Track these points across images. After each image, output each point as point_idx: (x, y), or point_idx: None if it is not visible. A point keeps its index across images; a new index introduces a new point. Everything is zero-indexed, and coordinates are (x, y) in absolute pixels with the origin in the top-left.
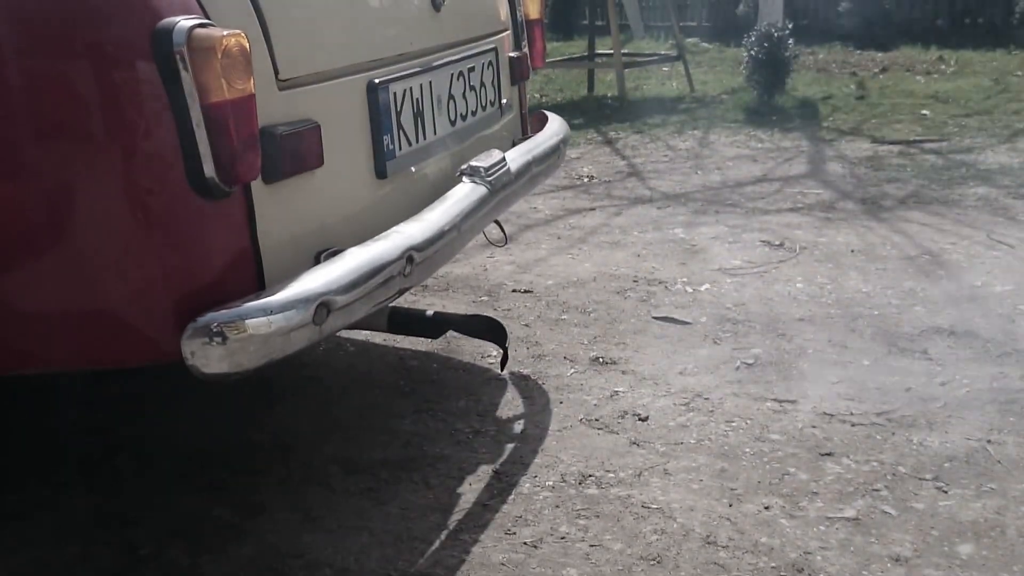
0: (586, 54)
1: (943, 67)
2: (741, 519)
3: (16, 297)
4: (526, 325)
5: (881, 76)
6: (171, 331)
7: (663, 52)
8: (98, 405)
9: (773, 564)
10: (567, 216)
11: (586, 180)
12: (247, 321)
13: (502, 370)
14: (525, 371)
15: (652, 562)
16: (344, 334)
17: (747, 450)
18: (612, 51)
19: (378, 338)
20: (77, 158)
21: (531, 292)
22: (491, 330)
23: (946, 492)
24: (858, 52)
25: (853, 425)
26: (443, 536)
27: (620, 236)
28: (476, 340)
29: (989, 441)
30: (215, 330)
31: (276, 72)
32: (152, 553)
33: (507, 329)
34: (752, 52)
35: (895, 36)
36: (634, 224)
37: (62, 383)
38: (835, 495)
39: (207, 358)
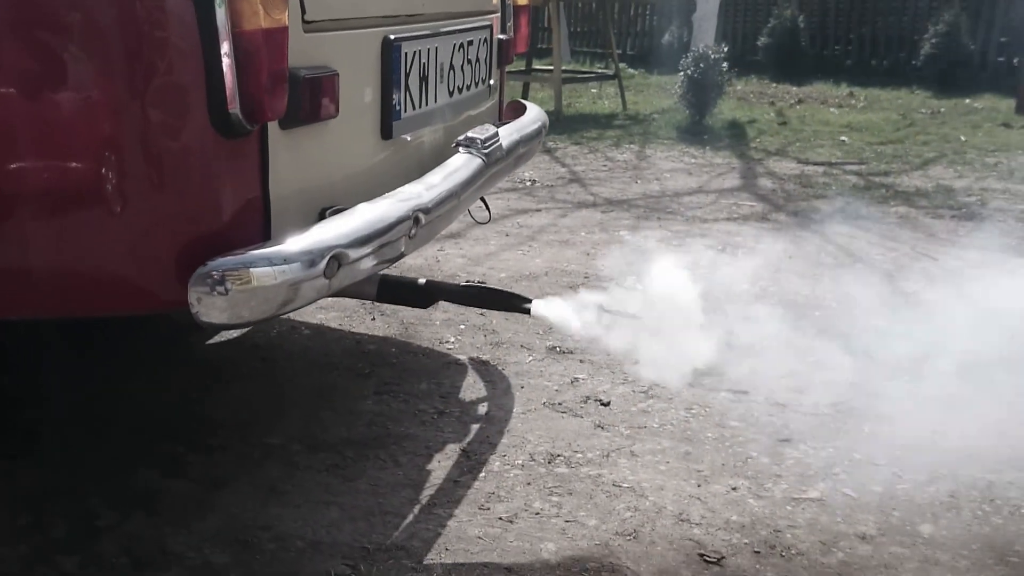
0: (523, 69)
1: (853, 102)
2: (711, 498)
3: (16, 236)
4: (482, 314)
5: (798, 107)
6: (175, 276)
7: (599, 70)
8: (44, 375)
9: (746, 540)
10: (514, 216)
11: (529, 184)
12: (256, 270)
13: (530, 315)
14: (484, 357)
15: (628, 537)
16: (297, 316)
17: (709, 435)
18: (550, 67)
19: (333, 322)
20: (95, 88)
21: (484, 284)
22: (498, 300)
23: (901, 476)
24: (775, 84)
25: (806, 414)
26: (416, 511)
27: (568, 236)
28: (434, 325)
29: (934, 431)
30: (217, 278)
31: (303, 11)
32: (111, 524)
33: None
34: (689, 72)
35: (808, 72)
36: (580, 225)
37: (9, 349)
38: (797, 478)
39: (214, 306)
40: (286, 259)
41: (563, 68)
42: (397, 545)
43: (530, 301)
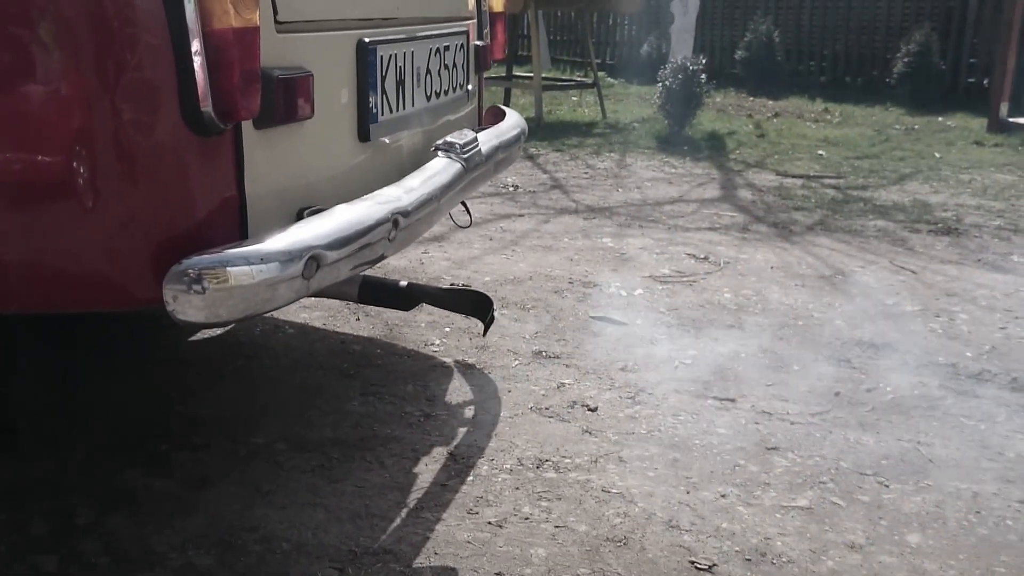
0: (504, 76)
1: (829, 117)
2: (700, 505)
3: None
4: (467, 317)
5: (775, 120)
6: (150, 273)
7: (578, 79)
8: (24, 370)
9: (737, 548)
10: (496, 220)
11: (511, 189)
12: (233, 268)
13: (484, 335)
14: (470, 360)
15: (618, 543)
16: (280, 315)
17: (696, 442)
18: (530, 74)
19: (317, 321)
20: (65, 83)
21: (469, 287)
22: (474, 304)
23: (887, 487)
24: (752, 98)
25: (792, 423)
26: (403, 514)
27: (551, 241)
28: (419, 327)
29: (919, 443)
30: (194, 276)
31: (275, 12)
32: (91, 522)
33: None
34: (667, 83)
35: (784, 87)
36: (563, 231)
37: None
38: (786, 486)
39: (190, 304)
40: (263, 258)
41: (543, 75)
42: (385, 548)
43: (491, 308)
